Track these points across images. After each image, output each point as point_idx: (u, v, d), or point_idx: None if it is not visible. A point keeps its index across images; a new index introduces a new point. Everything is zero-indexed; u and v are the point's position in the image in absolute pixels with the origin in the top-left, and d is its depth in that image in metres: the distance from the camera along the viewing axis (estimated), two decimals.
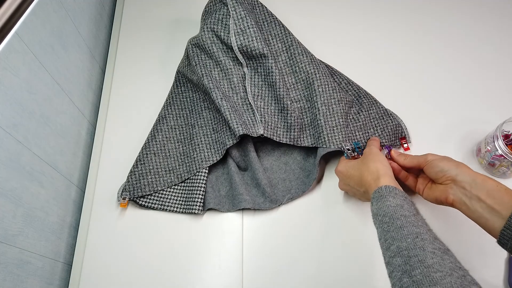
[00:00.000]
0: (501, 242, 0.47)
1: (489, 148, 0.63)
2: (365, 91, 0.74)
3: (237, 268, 0.62)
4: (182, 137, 0.71)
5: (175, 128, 0.72)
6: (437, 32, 0.84)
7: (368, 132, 0.69)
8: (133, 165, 0.67)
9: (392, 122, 0.69)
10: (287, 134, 0.68)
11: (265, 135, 0.65)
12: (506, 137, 0.65)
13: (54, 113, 0.63)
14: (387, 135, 0.69)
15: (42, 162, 0.59)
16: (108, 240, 0.64)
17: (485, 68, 0.79)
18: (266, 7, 0.76)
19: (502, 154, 0.61)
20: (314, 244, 0.63)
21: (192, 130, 0.71)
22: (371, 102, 0.72)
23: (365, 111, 0.71)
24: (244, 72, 0.71)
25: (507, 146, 0.61)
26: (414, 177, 0.61)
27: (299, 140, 0.68)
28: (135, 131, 0.73)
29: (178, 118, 0.73)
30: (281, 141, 0.67)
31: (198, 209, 0.63)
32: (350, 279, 0.60)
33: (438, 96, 0.76)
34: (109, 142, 0.72)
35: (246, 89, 0.70)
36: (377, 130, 0.69)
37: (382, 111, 0.71)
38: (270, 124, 0.67)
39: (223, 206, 0.65)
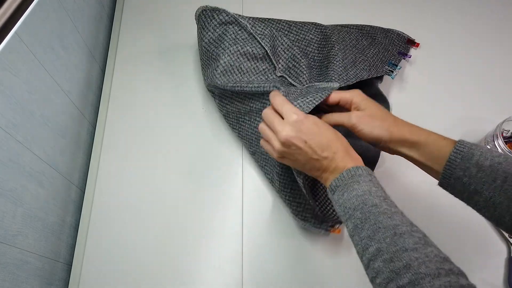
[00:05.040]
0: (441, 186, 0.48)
1: (489, 147, 0.63)
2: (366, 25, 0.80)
3: (237, 268, 0.62)
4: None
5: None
6: (436, 32, 0.84)
7: (380, 51, 0.77)
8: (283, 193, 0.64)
9: (393, 34, 0.79)
10: (347, 76, 0.71)
11: (342, 84, 0.68)
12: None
13: (54, 113, 0.63)
14: (396, 45, 0.79)
15: (42, 162, 0.59)
16: (108, 240, 0.64)
17: (485, 67, 0.79)
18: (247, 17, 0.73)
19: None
20: (315, 244, 0.63)
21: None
22: (374, 30, 0.79)
23: (372, 39, 0.78)
24: (277, 75, 0.69)
25: (506, 145, 0.61)
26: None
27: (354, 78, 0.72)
28: (135, 131, 0.73)
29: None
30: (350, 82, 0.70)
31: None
32: (352, 278, 0.60)
33: (438, 95, 0.76)
34: (109, 142, 0.72)
35: (292, 84, 0.69)
36: (388, 47, 0.78)
37: (383, 31, 0.79)
38: (332, 77, 0.70)
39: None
